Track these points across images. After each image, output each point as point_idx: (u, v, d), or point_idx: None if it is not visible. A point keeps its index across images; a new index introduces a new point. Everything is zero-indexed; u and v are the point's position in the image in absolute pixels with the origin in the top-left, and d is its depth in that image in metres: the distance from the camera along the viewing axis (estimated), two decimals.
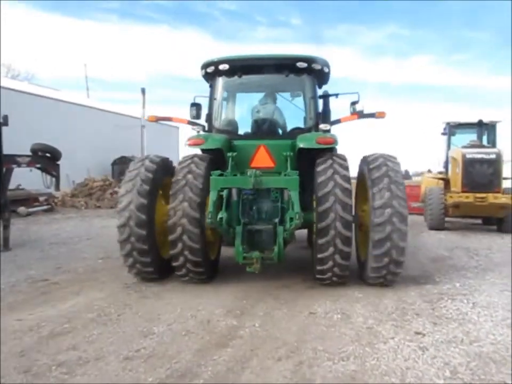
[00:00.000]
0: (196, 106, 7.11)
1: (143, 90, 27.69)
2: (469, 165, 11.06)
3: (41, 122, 21.26)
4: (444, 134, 13.72)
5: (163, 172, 5.99)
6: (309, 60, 6.36)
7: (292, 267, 6.76)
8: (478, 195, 10.76)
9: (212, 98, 6.78)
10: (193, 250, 5.38)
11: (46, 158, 9.80)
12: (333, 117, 6.97)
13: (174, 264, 5.57)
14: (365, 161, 5.83)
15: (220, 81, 6.74)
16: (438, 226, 11.92)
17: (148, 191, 5.57)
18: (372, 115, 6.42)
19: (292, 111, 7.07)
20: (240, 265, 5.44)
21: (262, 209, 5.86)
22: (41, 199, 16.74)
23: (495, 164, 10.95)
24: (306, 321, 4.45)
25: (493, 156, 10.98)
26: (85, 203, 18.47)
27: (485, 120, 12.23)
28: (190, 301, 5.08)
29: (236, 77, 6.57)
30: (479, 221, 14.17)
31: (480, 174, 10.94)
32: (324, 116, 6.91)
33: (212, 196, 5.26)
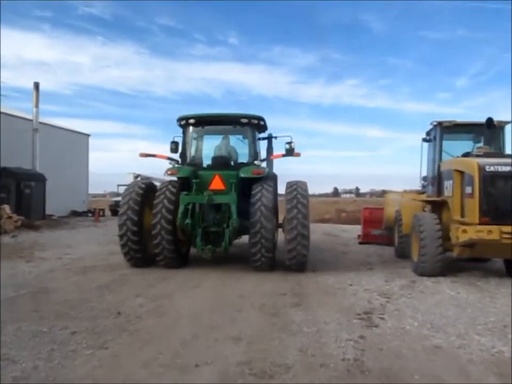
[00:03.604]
0: (175, 143, 10.33)
1: (36, 85, 22.29)
2: (490, 183, 7.32)
3: None
4: (427, 140, 10.17)
5: (150, 190, 9.32)
6: (249, 117, 9.80)
7: None
8: (504, 229, 7.05)
9: (184, 141, 10.23)
10: (168, 240, 8.51)
11: None
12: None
13: (155, 251, 8.64)
14: (286, 186, 9.01)
15: (190, 130, 10.16)
16: (432, 271, 8.20)
17: (139, 201, 8.88)
18: (291, 155, 10.11)
19: (238, 150, 10.39)
20: None
21: (215, 218, 8.96)
22: None
23: None
24: None
25: None
26: None
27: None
28: None
29: (200, 127, 10.16)
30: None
31: (506, 197, 7.24)
32: (268, 152, 10.96)
33: (181, 208, 8.53)
